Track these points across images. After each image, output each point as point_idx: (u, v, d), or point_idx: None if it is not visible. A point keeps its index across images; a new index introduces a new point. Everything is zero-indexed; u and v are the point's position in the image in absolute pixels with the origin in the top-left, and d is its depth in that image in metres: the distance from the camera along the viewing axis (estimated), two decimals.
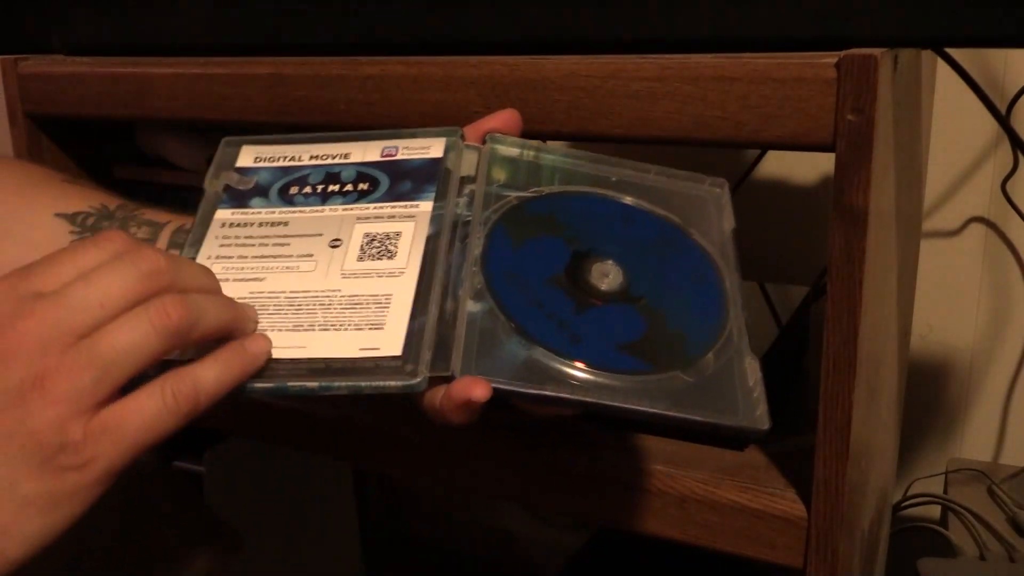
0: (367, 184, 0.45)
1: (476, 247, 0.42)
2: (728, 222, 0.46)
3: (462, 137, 0.47)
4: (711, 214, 0.46)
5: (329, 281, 0.41)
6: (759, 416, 0.38)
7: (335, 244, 0.43)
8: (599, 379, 0.38)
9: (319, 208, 0.45)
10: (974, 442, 0.89)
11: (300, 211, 0.45)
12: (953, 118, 0.81)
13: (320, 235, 0.43)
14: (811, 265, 0.75)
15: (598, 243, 0.43)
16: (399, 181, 0.45)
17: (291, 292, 0.41)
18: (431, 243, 0.42)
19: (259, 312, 0.41)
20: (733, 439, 0.53)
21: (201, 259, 0.43)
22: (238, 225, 0.45)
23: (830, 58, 0.43)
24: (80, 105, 0.67)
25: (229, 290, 0.41)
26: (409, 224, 0.43)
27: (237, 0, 0.60)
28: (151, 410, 0.36)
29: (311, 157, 0.47)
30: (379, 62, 0.55)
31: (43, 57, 0.69)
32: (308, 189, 0.46)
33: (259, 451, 0.89)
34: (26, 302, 0.35)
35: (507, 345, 0.39)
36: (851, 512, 0.49)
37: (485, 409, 0.37)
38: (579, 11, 0.51)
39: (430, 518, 1.20)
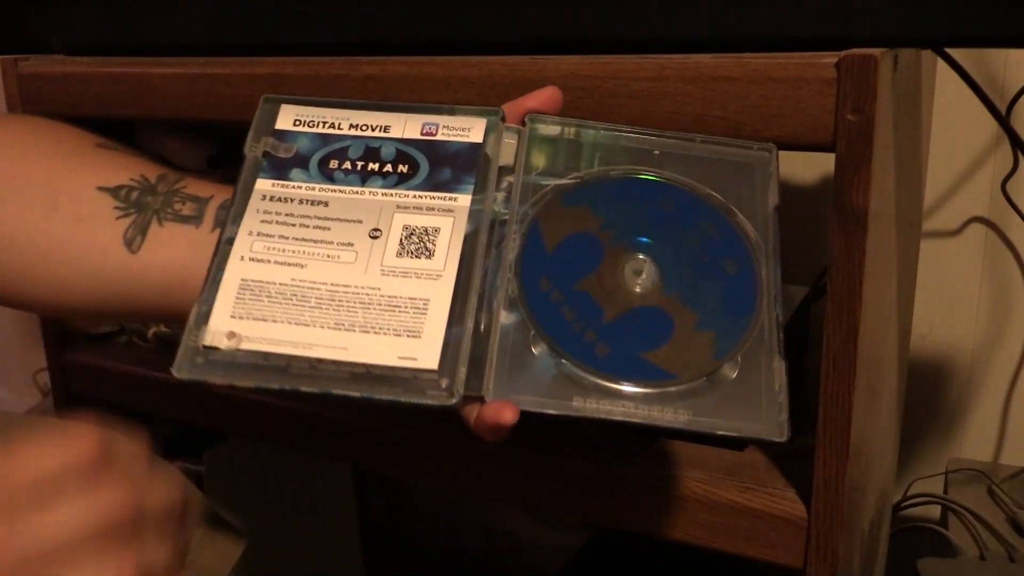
0: (407, 167, 0.45)
1: (512, 251, 0.43)
2: (773, 197, 0.45)
3: (503, 119, 0.46)
4: (756, 185, 0.45)
5: (369, 277, 0.42)
6: (780, 426, 0.39)
7: (375, 235, 0.43)
8: (624, 391, 0.40)
9: (359, 189, 0.45)
10: (974, 442, 0.89)
11: (340, 190, 0.45)
12: (953, 118, 0.81)
13: (360, 222, 0.44)
14: (811, 265, 0.74)
15: (633, 235, 0.43)
16: (439, 167, 0.45)
17: (332, 285, 0.42)
18: (468, 242, 0.43)
19: (301, 303, 0.41)
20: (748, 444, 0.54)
21: (242, 235, 0.43)
22: (279, 200, 0.45)
23: (830, 58, 0.43)
24: (80, 105, 0.67)
25: (271, 273, 0.42)
26: (448, 219, 0.44)
27: (237, 0, 0.60)
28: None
29: (351, 126, 0.47)
30: (379, 62, 0.55)
31: (43, 57, 0.69)
32: (348, 165, 0.46)
33: (259, 451, 0.89)
34: None
35: (537, 360, 0.40)
36: (851, 512, 0.49)
37: (517, 425, 0.39)
38: (579, 11, 0.51)
39: (430, 518, 1.20)
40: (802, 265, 0.87)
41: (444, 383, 0.39)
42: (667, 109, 0.47)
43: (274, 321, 0.41)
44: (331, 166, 0.46)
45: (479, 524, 1.15)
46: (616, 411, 0.39)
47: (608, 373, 0.40)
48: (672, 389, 0.40)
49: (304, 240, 0.43)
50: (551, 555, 1.08)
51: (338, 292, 0.42)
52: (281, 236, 0.43)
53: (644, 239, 0.43)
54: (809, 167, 0.90)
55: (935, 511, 0.77)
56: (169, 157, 0.76)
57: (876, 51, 0.42)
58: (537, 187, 0.45)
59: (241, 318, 0.41)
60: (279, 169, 0.46)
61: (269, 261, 0.43)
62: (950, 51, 0.66)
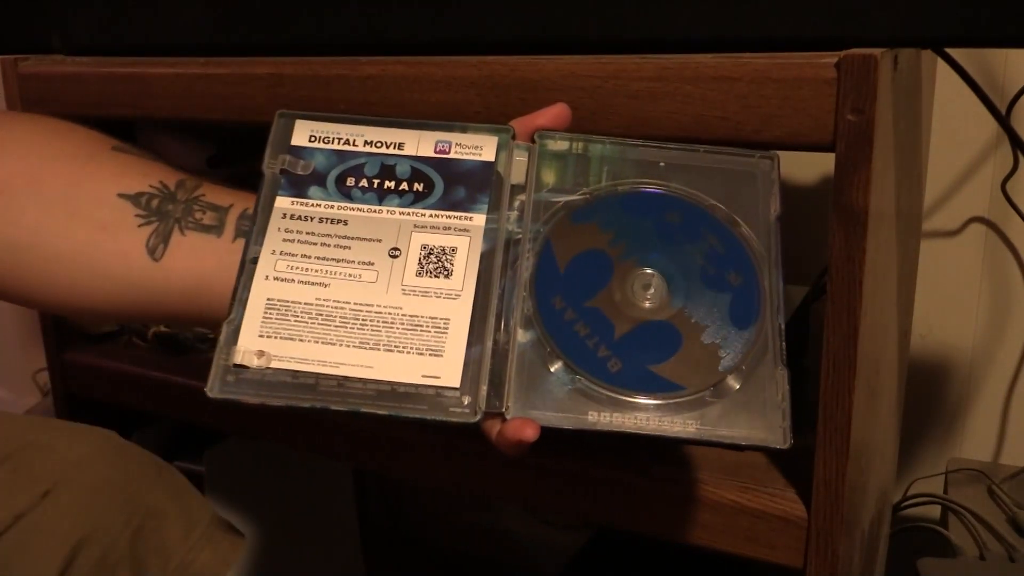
0: (422, 185, 0.47)
1: (526, 270, 0.44)
2: (775, 205, 0.46)
3: (513, 136, 0.48)
4: (759, 194, 0.46)
5: (391, 297, 0.44)
6: (783, 432, 0.41)
7: (394, 254, 0.45)
8: (636, 404, 0.42)
9: (376, 208, 0.46)
10: (974, 442, 0.89)
11: (358, 208, 0.46)
12: (953, 118, 0.81)
13: (379, 241, 0.45)
14: (811, 265, 0.74)
15: (641, 250, 0.45)
16: (453, 186, 0.46)
17: (355, 304, 0.43)
18: (484, 261, 0.44)
19: (326, 322, 0.43)
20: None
21: (265, 254, 0.45)
22: (299, 218, 0.46)
23: (830, 58, 0.43)
24: (80, 105, 0.67)
25: (296, 292, 0.43)
26: (464, 239, 0.45)
27: (237, 0, 0.60)
28: None
29: (365, 143, 0.48)
30: (379, 62, 0.55)
31: (43, 57, 0.69)
32: (364, 182, 0.47)
33: (259, 451, 0.89)
34: None
35: (553, 377, 0.42)
36: (851, 512, 0.49)
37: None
38: (579, 11, 0.51)
39: (430, 518, 1.20)
40: (802, 265, 0.87)
41: (466, 400, 0.41)
42: (667, 109, 0.47)
43: (301, 340, 0.42)
44: (348, 184, 0.47)
45: (479, 524, 1.15)
46: (628, 424, 0.41)
47: (621, 387, 0.42)
48: (680, 400, 0.42)
49: (326, 259, 0.45)
50: (550, 555, 1.08)
51: (361, 311, 0.43)
52: (303, 255, 0.45)
53: (652, 253, 0.45)
54: (809, 167, 0.90)
55: (935, 511, 0.77)
56: (169, 157, 0.76)
57: (876, 51, 0.42)
58: (548, 204, 0.46)
59: (269, 337, 0.42)
60: (297, 187, 0.47)
61: (293, 280, 0.44)
62: (950, 51, 0.66)
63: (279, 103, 0.58)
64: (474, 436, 0.42)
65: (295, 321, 0.43)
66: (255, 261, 0.44)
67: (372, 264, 0.44)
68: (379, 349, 0.42)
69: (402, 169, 0.47)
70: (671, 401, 0.42)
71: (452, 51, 0.54)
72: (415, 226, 0.46)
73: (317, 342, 0.42)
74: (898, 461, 0.84)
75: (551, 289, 0.44)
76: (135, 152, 0.52)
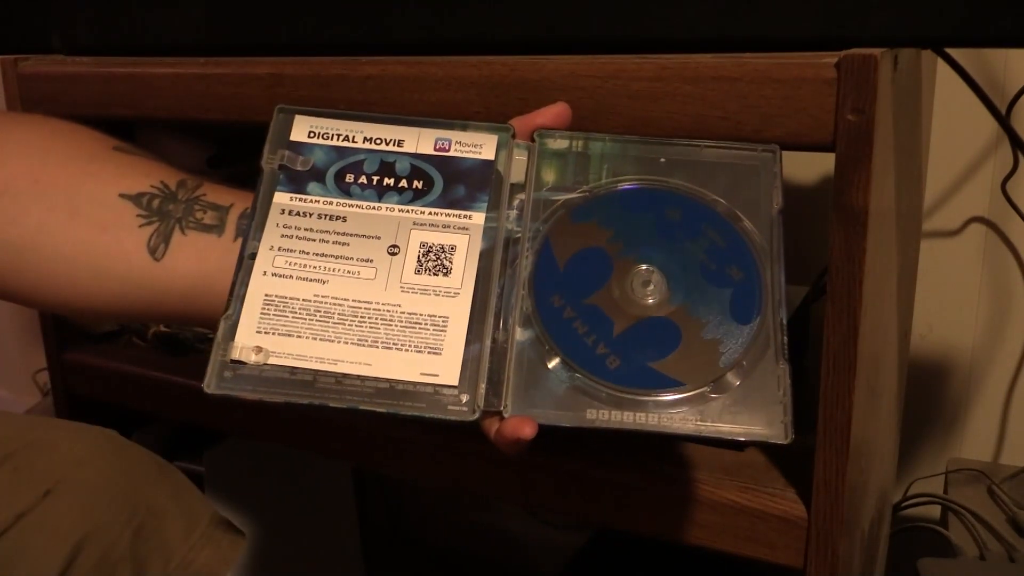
0: (421, 182, 0.46)
1: (525, 268, 0.44)
2: (777, 199, 0.46)
3: (513, 135, 0.47)
4: (761, 187, 0.46)
5: (389, 294, 0.44)
6: (784, 427, 0.41)
7: (393, 251, 0.45)
8: (635, 401, 0.42)
9: (376, 205, 0.46)
10: (974, 442, 0.89)
11: (357, 205, 0.46)
12: (953, 118, 0.81)
13: (378, 238, 0.45)
14: (811, 265, 0.74)
15: (641, 246, 0.45)
16: (453, 184, 0.46)
17: (354, 301, 0.43)
18: (484, 260, 0.44)
19: (324, 318, 0.43)
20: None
21: (264, 250, 0.45)
22: (297, 214, 0.46)
23: (830, 58, 0.43)
24: (80, 105, 0.67)
25: (294, 288, 0.43)
26: (463, 237, 0.45)
27: (237, 0, 0.60)
28: None
29: (365, 139, 0.48)
30: (379, 62, 0.55)
31: (43, 57, 0.69)
32: (364, 179, 0.47)
33: (259, 451, 0.89)
34: None
35: (552, 375, 0.42)
36: (851, 512, 0.49)
37: (535, 437, 0.41)
38: (579, 11, 0.51)
39: (430, 518, 1.20)
40: (802, 265, 0.87)
41: (465, 399, 0.41)
42: (667, 109, 0.47)
43: (299, 336, 0.42)
44: (347, 180, 0.47)
45: (479, 524, 1.15)
46: (627, 421, 0.41)
47: (619, 385, 0.42)
48: (680, 396, 0.42)
49: (324, 256, 0.44)
50: (550, 555, 1.08)
51: (360, 308, 0.43)
52: (302, 251, 0.45)
53: (651, 250, 0.45)
54: (809, 167, 0.90)
55: (935, 511, 0.77)
56: (169, 157, 0.76)
57: (876, 51, 0.42)
58: (548, 203, 0.46)
59: (267, 333, 0.42)
60: (296, 182, 0.47)
61: (292, 276, 0.44)
62: (950, 51, 0.66)
63: (279, 103, 0.58)
64: (474, 435, 0.42)
65: (293, 317, 0.43)
66: (253, 257, 0.44)
67: (371, 261, 0.44)
68: (377, 346, 0.42)
69: (402, 166, 0.47)
70: (671, 397, 0.42)
71: (452, 51, 0.54)
72: (414, 224, 0.45)
73: (315, 339, 0.42)
74: (898, 461, 0.84)
75: (550, 287, 0.44)
76: (136, 152, 0.52)
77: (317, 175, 0.47)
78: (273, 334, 0.42)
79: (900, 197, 0.54)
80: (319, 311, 0.43)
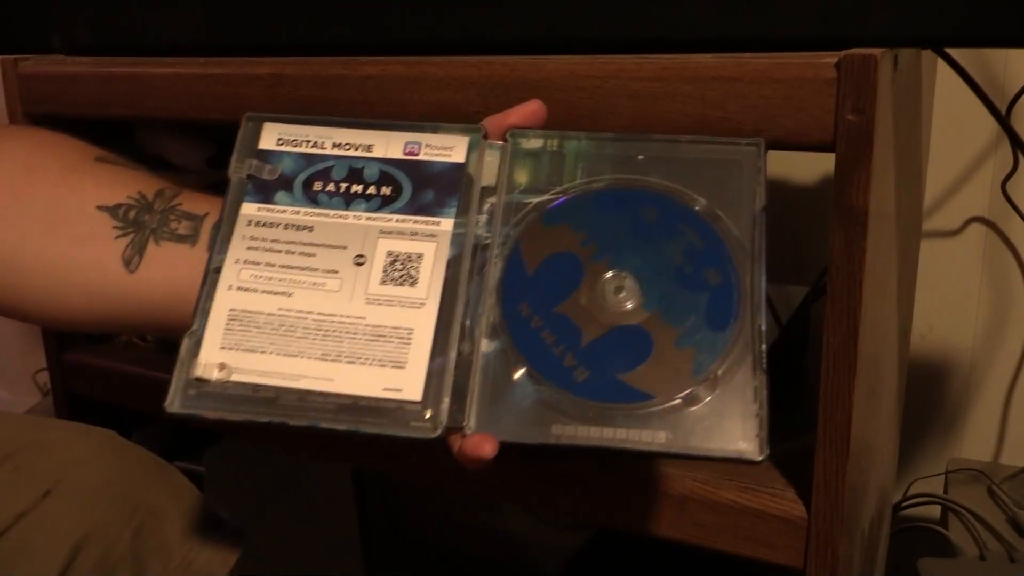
0: (390, 189, 0.45)
1: (493, 276, 0.43)
2: (760, 196, 0.44)
3: (485, 136, 0.46)
4: (744, 184, 0.44)
5: (354, 306, 0.42)
6: (759, 443, 0.39)
7: (359, 261, 0.44)
8: (602, 416, 0.40)
9: (343, 213, 0.45)
10: (974, 442, 0.89)
11: (324, 214, 0.45)
12: (953, 118, 0.81)
13: (344, 248, 0.44)
14: (811, 265, 0.74)
15: (615, 250, 0.43)
16: (421, 189, 0.45)
17: (318, 314, 0.42)
18: (451, 268, 0.43)
19: (288, 333, 0.42)
20: None
21: (229, 263, 0.44)
22: (264, 224, 0.45)
23: (830, 58, 0.43)
24: (80, 105, 0.67)
25: (259, 302, 0.42)
26: (431, 245, 0.44)
27: (237, 0, 0.60)
28: None
29: (334, 145, 0.47)
30: (379, 62, 0.55)
31: (43, 57, 0.69)
32: (332, 187, 0.46)
33: (259, 451, 0.89)
34: None
35: (517, 388, 0.40)
36: (851, 512, 0.49)
37: (502, 452, 0.39)
38: (579, 11, 0.51)
39: (430, 518, 1.20)
40: (802, 265, 0.87)
41: (428, 415, 0.40)
42: (667, 109, 0.47)
43: (263, 352, 0.41)
44: (315, 188, 0.46)
45: (479, 524, 1.15)
46: (594, 437, 0.39)
47: (587, 398, 0.40)
48: (650, 410, 0.40)
49: (290, 267, 0.43)
50: (551, 555, 1.08)
51: (324, 322, 0.42)
52: (268, 264, 0.44)
53: (625, 253, 0.43)
54: (809, 167, 0.90)
55: (935, 511, 0.77)
56: (169, 157, 0.76)
57: (876, 51, 0.42)
58: (520, 206, 0.45)
59: (231, 349, 0.41)
60: (264, 192, 0.46)
61: (257, 290, 0.43)
62: (950, 51, 0.66)
63: (279, 103, 0.58)
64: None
65: (257, 332, 0.42)
66: (219, 271, 0.43)
67: (337, 272, 0.43)
68: (341, 361, 0.41)
69: (370, 172, 0.46)
70: (640, 411, 0.40)
71: (452, 51, 0.54)
72: (381, 232, 0.44)
73: (279, 354, 0.41)
74: (898, 461, 0.84)
75: (518, 295, 0.42)
76: (119, 162, 0.52)
77: (285, 184, 0.46)
78: (237, 350, 0.41)
79: (900, 197, 0.54)
80: (283, 325, 0.42)
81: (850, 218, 0.44)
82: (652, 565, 0.78)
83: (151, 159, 0.77)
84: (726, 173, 0.44)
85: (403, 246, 0.44)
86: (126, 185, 0.50)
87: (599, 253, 0.43)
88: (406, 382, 0.41)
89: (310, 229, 0.45)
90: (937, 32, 0.44)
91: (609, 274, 0.43)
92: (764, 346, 0.41)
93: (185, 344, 0.41)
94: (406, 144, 0.46)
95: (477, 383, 0.41)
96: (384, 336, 0.42)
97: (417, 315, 0.42)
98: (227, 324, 0.42)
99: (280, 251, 0.44)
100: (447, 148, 0.46)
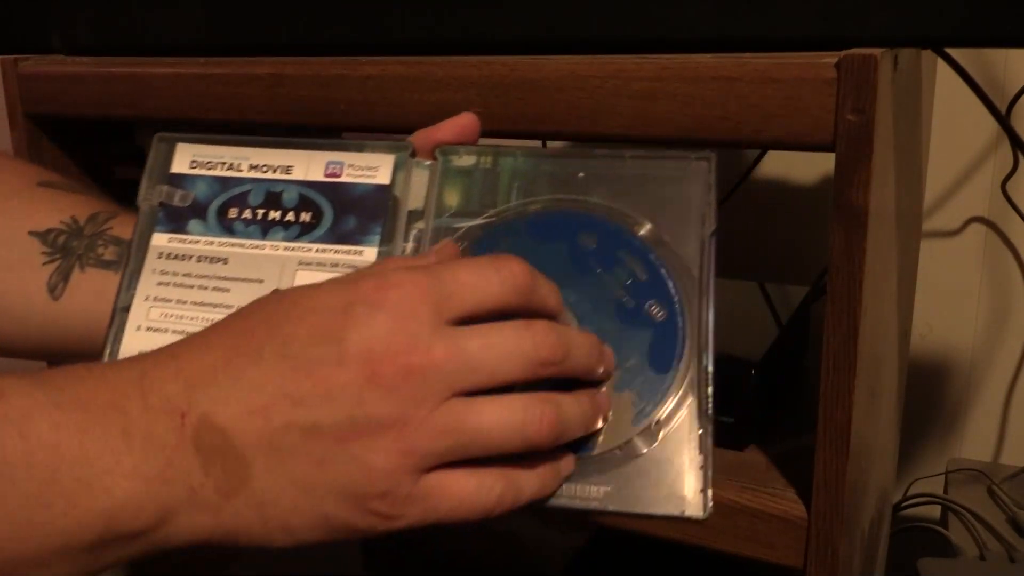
0: (310, 215, 0.42)
1: None
2: (710, 219, 0.40)
3: (412, 153, 0.43)
4: (692, 204, 0.41)
5: None
6: (701, 500, 0.37)
7: None
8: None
9: (259, 243, 0.42)
10: (974, 442, 0.89)
11: (240, 244, 0.42)
12: (953, 118, 0.81)
13: (260, 282, 0.41)
14: (811, 265, 0.74)
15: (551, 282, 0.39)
16: (343, 215, 0.42)
17: None
18: None
19: None
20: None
21: (138, 301, 0.41)
22: (176, 257, 0.42)
23: (830, 58, 0.43)
24: (80, 105, 0.67)
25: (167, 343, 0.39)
26: None
27: (237, 0, 0.60)
28: (469, 496, 0.35)
29: (251, 167, 0.44)
30: (379, 62, 0.55)
31: (43, 57, 0.69)
32: (248, 214, 0.43)
33: None
34: (429, 336, 0.34)
35: None
36: (851, 512, 0.49)
37: None
38: (579, 11, 0.51)
39: None
40: (802, 265, 0.87)
41: None
42: (667, 109, 0.47)
43: None
44: (230, 216, 0.43)
45: (479, 524, 1.15)
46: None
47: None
48: (587, 463, 0.37)
49: (203, 304, 0.41)
50: (551, 555, 1.08)
51: None
52: (179, 300, 0.41)
53: (562, 286, 0.39)
54: (809, 167, 0.90)
55: (935, 511, 0.77)
56: None
57: (876, 51, 0.42)
58: (449, 231, 0.42)
59: None
60: (176, 220, 0.43)
61: (167, 330, 0.41)
62: (950, 51, 0.66)
63: (279, 103, 0.58)
64: None
65: None
66: (127, 310, 0.41)
67: None
68: None
69: (289, 197, 0.43)
70: (578, 463, 0.37)
71: (452, 51, 0.54)
72: (300, 263, 0.41)
73: None
74: (898, 461, 0.84)
75: None
76: (62, 186, 0.51)
77: (199, 211, 0.43)
78: None
79: (900, 197, 0.54)
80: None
81: (850, 218, 0.44)
82: (652, 565, 0.78)
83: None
84: (674, 192, 0.41)
85: (323, 278, 0.39)
86: (61, 210, 0.48)
87: None
88: None
89: (224, 261, 0.42)
90: (937, 32, 0.44)
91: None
92: (711, 389, 0.38)
93: None
94: (327, 164, 0.43)
95: None
96: None
97: None
98: None
99: (193, 286, 0.42)
100: (371, 168, 0.43)
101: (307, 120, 0.57)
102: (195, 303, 0.41)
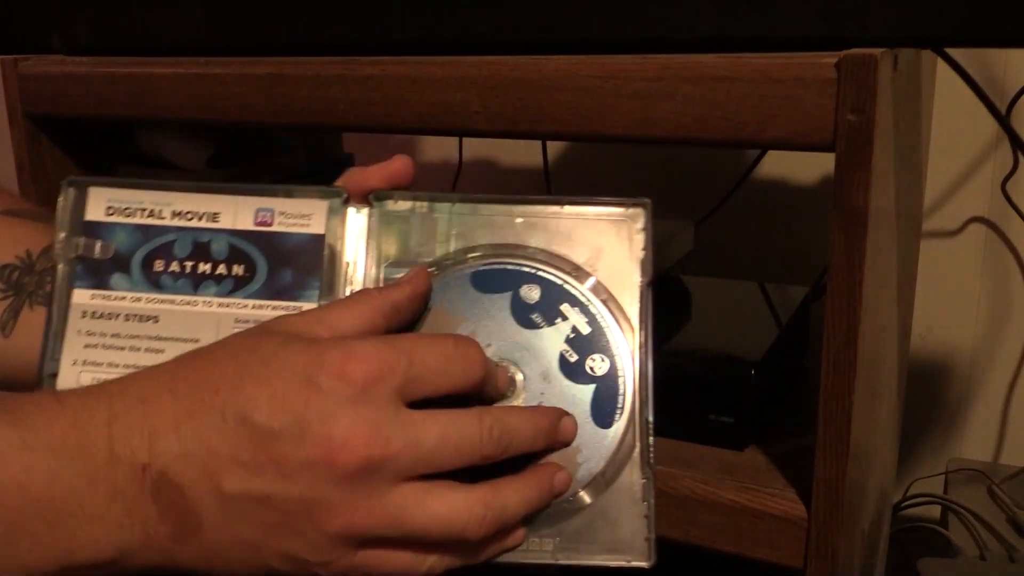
0: (242, 268, 0.40)
1: None
2: (646, 270, 0.40)
3: (346, 200, 0.42)
4: (629, 253, 0.41)
5: None
6: (645, 548, 0.38)
7: None
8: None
9: (191, 299, 0.40)
10: (974, 442, 0.89)
11: (170, 301, 0.40)
12: (953, 118, 0.81)
13: (196, 341, 0.39)
14: (811, 265, 0.74)
15: (494, 338, 0.40)
16: (278, 268, 0.40)
17: None
18: None
19: None
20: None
21: (66, 366, 0.39)
22: (101, 316, 0.40)
23: (830, 58, 0.43)
24: (80, 105, 0.67)
25: None
26: None
27: (237, 0, 0.60)
28: (404, 567, 0.37)
29: (174, 214, 0.41)
30: (379, 62, 0.55)
31: (43, 57, 0.69)
32: (176, 266, 0.40)
33: None
34: (390, 425, 0.35)
35: None
36: (851, 512, 0.49)
37: None
38: (579, 11, 0.51)
39: None
40: (802, 265, 0.87)
41: None
42: (667, 109, 0.47)
43: None
44: (156, 268, 0.40)
45: None
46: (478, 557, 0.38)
47: None
48: (536, 514, 0.38)
49: (136, 367, 0.38)
50: None
51: None
52: (110, 364, 0.39)
53: (506, 343, 0.39)
54: (809, 167, 0.90)
55: (935, 511, 0.77)
56: (169, 157, 0.76)
57: (876, 51, 0.42)
58: (389, 282, 0.41)
59: None
60: (97, 275, 0.40)
61: None
62: (950, 51, 0.66)
63: (279, 103, 0.58)
64: None
65: None
66: (54, 376, 0.38)
67: None
68: None
69: (218, 247, 0.40)
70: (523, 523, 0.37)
71: (452, 51, 0.54)
72: (236, 320, 0.39)
73: None
74: (898, 461, 0.84)
75: None
76: (26, 215, 0.50)
77: (121, 264, 0.40)
78: None
79: (900, 197, 0.54)
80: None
81: (850, 218, 0.44)
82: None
83: (151, 159, 0.77)
84: (610, 239, 0.41)
85: None
86: (17, 243, 0.48)
87: (480, 341, 0.39)
88: None
89: (155, 319, 0.40)
90: (937, 32, 0.44)
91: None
92: (652, 439, 0.39)
93: None
94: (257, 212, 0.41)
95: None
96: None
97: None
98: None
99: (123, 348, 0.39)
100: (304, 216, 0.41)
101: (307, 120, 0.57)
102: (127, 366, 0.39)
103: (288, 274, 0.41)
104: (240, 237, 0.41)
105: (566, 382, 0.39)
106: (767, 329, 0.62)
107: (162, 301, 0.40)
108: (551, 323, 0.40)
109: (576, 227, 0.41)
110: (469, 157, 1.01)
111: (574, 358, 0.40)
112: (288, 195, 0.41)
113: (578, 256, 0.41)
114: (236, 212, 0.41)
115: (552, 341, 0.40)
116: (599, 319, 0.40)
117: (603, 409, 0.39)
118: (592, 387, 0.39)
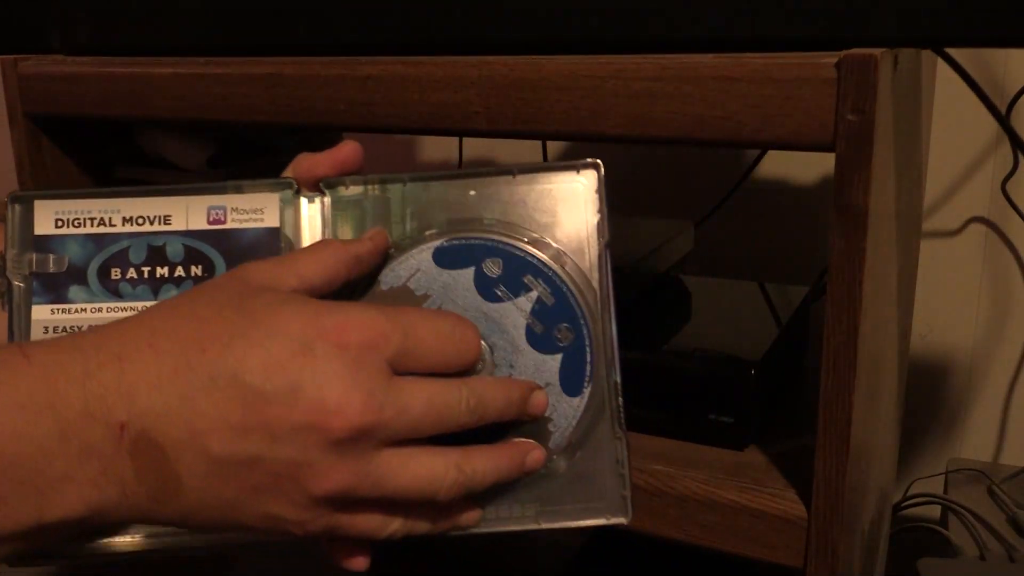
0: (200, 267, 0.40)
1: None
2: (603, 231, 0.40)
3: (296, 191, 0.42)
4: (585, 217, 0.41)
5: None
6: (623, 503, 0.39)
7: None
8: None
9: (152, 304, 0.39)
10: (974, 442, 0.89)
11: (132, 308, 0.40)
12: (953, 118, 0.81)
13: None
14: (811, 265, 0.75)
15: (462, 313, 0.40)
16: (236, 263, 0.40)
17: None
18: None
19: None
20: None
21: None
22: (64, 330, 0.39)
23: (830, 58, 0.43)
24: (80, 105, 0.67)
25: None
26: None
27: (237, 0, 0.60)
28: (371, 530, 0.38)
29: (124, 220, 0.40)
30: (379, 62, 0.55)
31: (43, 57, 0.69)
32: (133, 273, 0.40)
33: None
34: (383, 393, 0.35)
35: None
36: (851, 512, 0.49)
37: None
38: (579, 11, 0.51)
39: None
40: (802, 265, 0.87)
41: None
42: (667, 109, 0.47)
43: None
44: (114, 277, 0.40)
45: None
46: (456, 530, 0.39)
47: None
48: (515, 481, 0.39)
49: None
50: (551, 555, 1.08)
51: None
52: None
53: (473, 318, 0.39)
54: (809, 167, 0.90)
55: (935, 511, 0.77)
56: (169, 157, 0.76)
57: (876, 51, 0.42)
58: None
59: None
60: (54, 289, 0.39)
61: None
62: (950, 51, 0.66)
63: (279, 103, 0.58)
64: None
65: None
66: None
67: None
68: None
69: (173, 250, 0.40)
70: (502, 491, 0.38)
71: (452, 51, 0.54)
72: None
73: None
74: (898, 461, 0.84)
75: None
76: None
77: (77, 276, 0.40)
78: None
79: (900, 197, 0.54)
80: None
81: (850, 218, 0.44)
82: (652, 565, 0.78)
83: (151, 159, 0.77)
84: (566, 205, 0.41)
85: None
86: None
87: None
88: None
89: None
90: (937, 32, 0.44)
91: None
92: (621, 399, 0.39)
93: None
94: (209, 210, 0.41)
95: None
96: None
97: None
98: None
99: None
100: (257, 210, 0.41)
101: (307, 120, 0.57)
102: None
103: None
104: (194, 237, 0.41)
105: (534, 353, 0.40)
106: (767, 329, 0.62)
107: (124, 309, 0.40)
108: (515, 295, 0.40)
109: (530, 195, 0.41)
110: (469, 157, 1.01)
111: (540, 328, 0.40)
112: (238, 191, 0.41)
113: (535, 224, 0.41)
114: (188, 213, 0.41)
115: (518, 313, 0.40)
116: (562, 288, 0.40)
117: (572, 377, 0.40)
118: (560, 356, 0.40)
